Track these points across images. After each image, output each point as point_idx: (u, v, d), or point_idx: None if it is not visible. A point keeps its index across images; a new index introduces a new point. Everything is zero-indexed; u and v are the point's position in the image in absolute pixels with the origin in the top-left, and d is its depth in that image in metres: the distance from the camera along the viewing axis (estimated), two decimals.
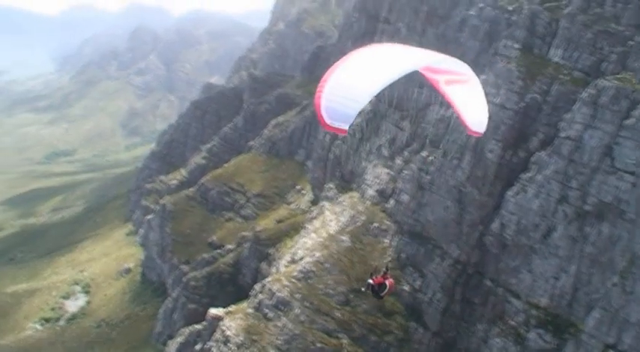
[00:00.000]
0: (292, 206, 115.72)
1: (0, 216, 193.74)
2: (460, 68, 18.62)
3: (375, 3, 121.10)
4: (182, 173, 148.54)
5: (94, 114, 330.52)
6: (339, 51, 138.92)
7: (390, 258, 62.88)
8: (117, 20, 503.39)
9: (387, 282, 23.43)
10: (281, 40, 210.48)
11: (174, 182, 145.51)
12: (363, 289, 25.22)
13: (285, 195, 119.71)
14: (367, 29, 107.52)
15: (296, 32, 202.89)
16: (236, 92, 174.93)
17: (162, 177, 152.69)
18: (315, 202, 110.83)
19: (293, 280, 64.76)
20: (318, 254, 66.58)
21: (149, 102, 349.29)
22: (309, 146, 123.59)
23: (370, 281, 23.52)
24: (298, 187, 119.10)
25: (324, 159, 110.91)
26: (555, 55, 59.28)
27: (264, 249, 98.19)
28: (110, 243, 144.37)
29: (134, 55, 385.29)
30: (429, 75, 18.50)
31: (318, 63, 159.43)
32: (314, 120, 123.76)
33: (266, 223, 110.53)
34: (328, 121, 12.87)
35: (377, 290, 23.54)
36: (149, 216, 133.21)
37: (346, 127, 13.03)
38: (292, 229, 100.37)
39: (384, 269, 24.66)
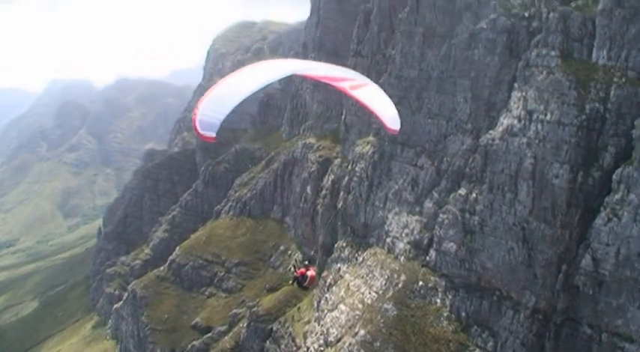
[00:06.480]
0: (280, 270, 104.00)
1: None
2: (354, 75, 19.52)
3: (335, 39, 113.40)
4: (145, 251, 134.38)
5: (29, 199, 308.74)
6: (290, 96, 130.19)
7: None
8: (41, 99, 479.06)
9: (307, 273, 23.84)
10: None
11: (138, 261, 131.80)
12: (290, 283, 28.11)
13: (268, 259, 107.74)
14: None
15: None
16: (186, 155, 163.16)
17: (123, 258, 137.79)
18: (307, 261, 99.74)
19: None
20: (362, 331, 54.83)
21: (85, 178, 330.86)
22: (285, 201, 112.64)
23: (295, 273, 24.40)
24: (282, 248, 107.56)
25: (309, 214, 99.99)
26: (600, 56, 51.31)
27: (265, 325, 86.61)
28: (77, 340, 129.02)
29: (63, 131, 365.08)
30: (334, 83, 19.19)
31: (269, 111, 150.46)
32: (285, 172, 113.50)
33: (256, 295, 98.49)
34: (201, 132, 14.38)
35: (300, 281, 24.12)
36: (117, 305, 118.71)
37: (213, 135, 14.63)
38: (293, 298, 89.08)
39: (305, 262, 25.71)
